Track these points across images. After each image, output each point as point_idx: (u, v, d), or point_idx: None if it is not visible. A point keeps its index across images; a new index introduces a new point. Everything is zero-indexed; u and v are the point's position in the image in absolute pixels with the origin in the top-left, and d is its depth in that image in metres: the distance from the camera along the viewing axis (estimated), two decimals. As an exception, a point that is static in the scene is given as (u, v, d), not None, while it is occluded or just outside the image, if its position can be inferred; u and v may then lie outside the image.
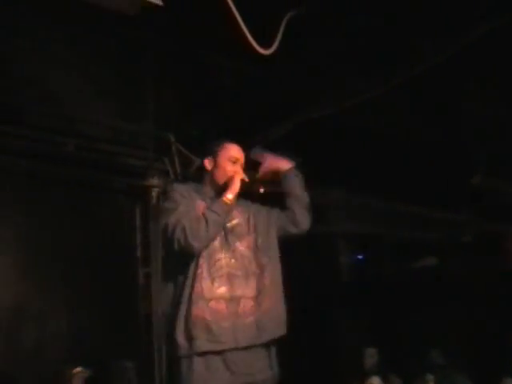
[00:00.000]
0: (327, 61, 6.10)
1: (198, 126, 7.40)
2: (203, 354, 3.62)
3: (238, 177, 3.93)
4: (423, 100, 7.38)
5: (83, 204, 7.33)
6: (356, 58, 5.96)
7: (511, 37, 5.76)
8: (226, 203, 3.81)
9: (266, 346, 3.92)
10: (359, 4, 5.52)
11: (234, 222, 3.97)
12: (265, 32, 4.89)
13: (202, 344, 3.60)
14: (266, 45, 4.84)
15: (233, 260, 3.84)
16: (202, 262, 3.74)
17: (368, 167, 8.14)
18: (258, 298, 3.87)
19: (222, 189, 3.92)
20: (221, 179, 3.98)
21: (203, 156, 4.12)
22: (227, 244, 3.87)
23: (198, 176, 4.20)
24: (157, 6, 4.34)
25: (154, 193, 7.50)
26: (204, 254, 3.74)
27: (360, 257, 10.64)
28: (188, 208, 3.76)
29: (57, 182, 7.09)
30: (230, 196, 3.84)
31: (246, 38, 4.53)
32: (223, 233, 3.87)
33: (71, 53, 6.65)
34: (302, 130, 6.82)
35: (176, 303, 3.70)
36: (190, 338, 3.61)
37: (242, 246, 3.94)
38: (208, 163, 4.05)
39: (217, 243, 3.82)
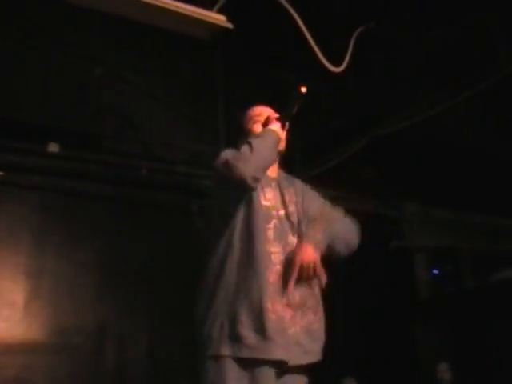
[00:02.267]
0: (398, 74, 6.07)
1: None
2: (245, 359, 2.99)
3: (273, 115, 3.40)
4: (500, 110, 7.26)
5: (160, 227, 7.44)
6: (428, 70, 5.91)
7: None
8: (269, 129, 3.25)
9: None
10: (428, 17, 5.50)
11: (290, 208, 3.35)
12: (335, 49, 4.90)
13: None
14: (336, 62, 4.83)
15: (282, 257, 3.16)
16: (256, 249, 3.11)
17: (443, 180, 8.04)
18: (307, 309, 3.20)
19: None
20: None
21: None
22: (280, 234, 3.23)
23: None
24: (227, 29, 4.37)
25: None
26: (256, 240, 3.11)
27: (435, 272, 10.49)
28: None
29: (134, 206, 7.24)
30: (272, 127, 3.26)
31: (316, 56, 4.53)
32: (277, 220, 3.25)
33: (146, 79, 6.81)
34: (376, 145, 6.79)
35: (215, 295, 3.13)
36: (236, 338, 3.01)
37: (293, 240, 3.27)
38: (240, 141, 3.38)
39: (271, 232, 3.18)
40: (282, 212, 3.31)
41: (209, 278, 3.22)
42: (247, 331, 2.99)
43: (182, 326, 7.16)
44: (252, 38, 6.03)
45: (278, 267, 3.12)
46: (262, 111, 3.52)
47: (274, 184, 3.40)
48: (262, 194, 3.28)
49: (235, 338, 3.01)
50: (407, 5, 5.47)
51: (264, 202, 3.27)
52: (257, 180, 3.02)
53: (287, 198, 3.39)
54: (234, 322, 3.03)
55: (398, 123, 6.55)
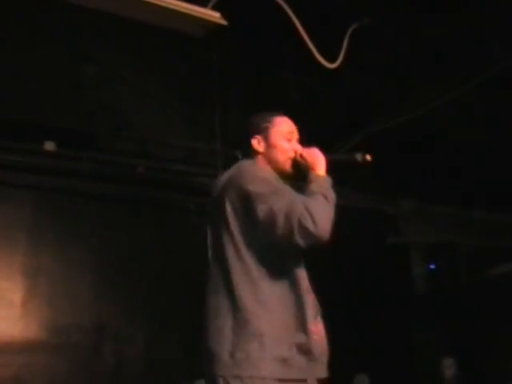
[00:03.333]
0: (392, 71, 6.08)
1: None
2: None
3: (317, 152, 3.16)
4: (495, 105, 7.27)
5: (157, 225, 7.44)
6: (422, 67, 5.92)
7: None
8: (324, 176, 3.04)
9: None
10: (422, 12, 5.51)
11: None
12: (329, 46, 4.90)
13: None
14: (331, 58, 4.83)
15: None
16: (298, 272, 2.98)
17: (439, 175, 8.06)
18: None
19: (285, 173, 3.15)
20: (280, 161, 3.15)
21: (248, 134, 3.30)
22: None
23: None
24: (222, 26, 4.36)
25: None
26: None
27: (432, 267, 10.50)
28: (289, 190, 2.94)
29: (131, 204, 7.24)
30: (321, 172, 3.05)
31: (311, 52, 4.53)
32: None
33: (141, 77, 6.81)
34: (372, 141, 6.80)
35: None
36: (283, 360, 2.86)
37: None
38: (258, 144, 3.20)
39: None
40: None
41: (241, 293, 2.91)
42: (295, 353, 2.86)
43: (180, 325, 7.20)
44: (247, 35, 6.02)
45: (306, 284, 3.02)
46: (295, 131, 3.27)
47: None
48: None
49: (281, 359, 2.84)
50: (401, 2, 5.48)
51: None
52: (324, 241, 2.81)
53: None
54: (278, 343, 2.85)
55: (393, 119, 6.56)
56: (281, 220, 2.76)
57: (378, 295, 8.74)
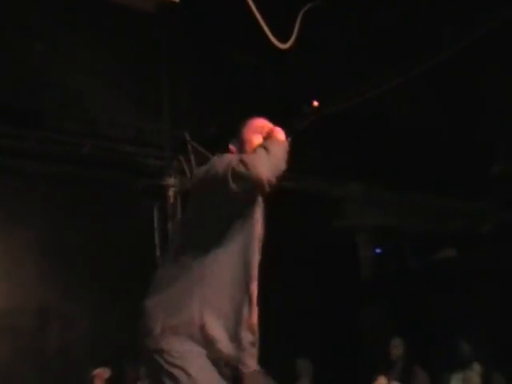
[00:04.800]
0: (344, 53, 6.08)
1: (214, 124, 7.40)
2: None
3: (277, 128, 3.23)
4: (442, 90, 7.34)
5: (102, 205, 7.36)
6: (373, 49, 5.93)
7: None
8: (279, 139, 3.13)
9: None
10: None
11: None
12: (282, 26, 4.86)
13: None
14: (282, 40, 4.79)
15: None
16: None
17: (386, 159, 8.11)
18: None
19: None
20: (250, 151, 3.21)
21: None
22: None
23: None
24: (172, 3, 4.29)
25: (172, 192, 7.50)
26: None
27: (378, 250, 10.61)
28: None
29: (76, 184, 7.14)
30: (279, 138, 3.14)
31: (263, 32, 4.49)
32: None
33: (89, 55, 6.68)
34: (320, 125, 6.79)
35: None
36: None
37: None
38: (233, 147, 3.31)
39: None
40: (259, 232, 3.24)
41: (194, 268, 3.00)
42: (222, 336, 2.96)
43: (125, 306, 7.13)
44: (198, 14, 5.96)
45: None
46: (265, 124, 3.31)
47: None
48: (259, 218, 3.18)
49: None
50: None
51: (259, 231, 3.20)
52: (271, 185, 2.92)
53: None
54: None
55: (343, 102, 6.56)
56: (220, 176, 2.91)
57: (325, 278, 8.79)
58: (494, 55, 6.47)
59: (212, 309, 2.94)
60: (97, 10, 5.56)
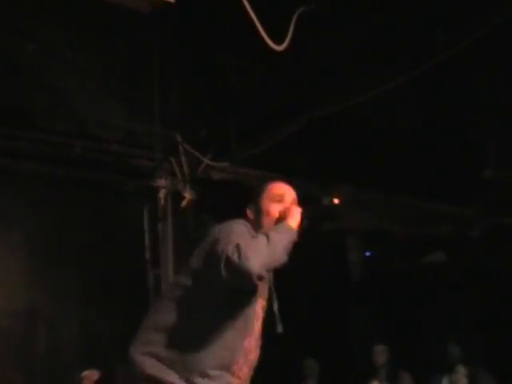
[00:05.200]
0: (337, 57, 6.08)
1: (205, 126, 7.39)
2: None
3: (296, 208, 3.16)
4: (433, 94, 7.36)
5: (92, 206, 7.32)
6: (366, 54, 5.93)
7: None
8: (289, 226, 3.05)
9: None
10: (367, 0, 5.52)
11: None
12: (275, 29, 4.85)
13: None
14: (276, 42, 4.78)
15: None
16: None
17: (376, 162, 8.12)
18: None
19: None
20: (265, 225, 3.17)
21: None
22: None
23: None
24: (168, 3, 4.26)
25: (162, 194, 7.48)
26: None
27: (368, 253, 10.62)
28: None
29: (67, 185, 7.10)
30: (291, 223, 3.07)
31: (256, 34, 4.47)
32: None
33: (80, 56, 6.65)
34: (311, 128, 6.80)
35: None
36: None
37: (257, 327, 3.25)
38: (250, 213, 3.25)
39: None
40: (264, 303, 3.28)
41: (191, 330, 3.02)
42: None
43: (115, 310, 7.11)
44: (191, 14, 5.94)
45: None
46: (286, 193, 3.25)
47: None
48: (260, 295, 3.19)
49: None
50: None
51: (262, 303, 3.23)
52: (261, 279, 2.88)
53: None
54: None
55: (334, 106, 6.56)
56: (218, 255, 2.87)
57: (315, 281, 8.79)
58: (485, 57, 6.48)
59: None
60: (88, 11, 5.54)
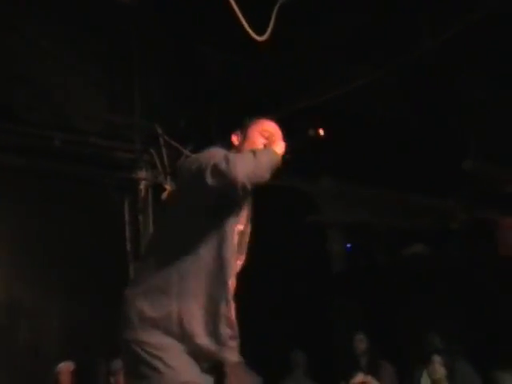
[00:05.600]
0: (319, 48, 6.07)
1: (185, 117, 7.35)
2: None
3: (280, 142, 3.22)
4: (412, 86, 7.37)
5: (72, 199, 7.27)
6: (348, 45, 5.93)
7: (500, 22, 5.78)
8: (273, 150, 3.12)
9: None
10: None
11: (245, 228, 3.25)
12: (256, 21, 4.82)
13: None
14: (259, 33, 4.75)
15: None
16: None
17: (357, 155, 8.13)
18: None
19: None
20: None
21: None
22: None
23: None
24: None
25: (143, 186, 7.45)
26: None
27: (348, 245, 10.64)
28: None
29: (46, 177, 7.05)
30: (276, 150, 3.14)
31: (238, 26, 4.44)
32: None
33: (59, 47, 6.59)
34: (292, 119, 6.78)
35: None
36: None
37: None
38: (236, 138, 3.31)
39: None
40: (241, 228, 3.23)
41: (171, 264, 3.03)
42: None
43: (96, 300, 7.08)
44: (171, 5, 5.91)
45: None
46: (275, 134, 3.30)
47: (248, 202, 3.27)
48: (238, 218, 3.16)
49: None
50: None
51: (239, 227, 3.18)
52: (245, 189, 2.91)
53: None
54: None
55: (315, 97, 6.55)
56: (200, 169, 2.94)
57: (296, 273, 8.79)
58: (466, 52, 6.50)
59: (190, 305, 2.96)
60: (68, 2, 5.48)
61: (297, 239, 8.90)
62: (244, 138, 3.28)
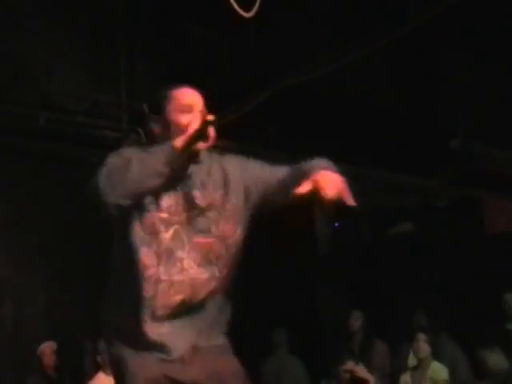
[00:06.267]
0: (305, 26, 6.03)
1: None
2: None
3: (195, 122, 2.73)
4: (402, 65, 7.34)
5: (58, 179, 7.23)
6: (335, 23, 5.88)
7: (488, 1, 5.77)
8: (172, 147, 2.69)
9: None
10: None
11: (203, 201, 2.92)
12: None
13: None
14: (245, 10, 4.71)
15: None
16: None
17: (342, 133, 8.10)
18: None
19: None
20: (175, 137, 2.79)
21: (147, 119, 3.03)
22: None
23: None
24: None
25: (129, 165, 7.39)
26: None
27: (336, 224, 10.66)
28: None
29: (30, 157, 6.99)
30: (177, 143, 2.70)
31: (224, 3, 4.40)
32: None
33: (43, 25, 6.51)
34: (279, 99, 6.75)
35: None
36: None
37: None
38: (154, 126, 2.95)
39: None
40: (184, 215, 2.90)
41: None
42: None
43: (82, 284, 7.06)
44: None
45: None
46: (194, 102, 2.90)
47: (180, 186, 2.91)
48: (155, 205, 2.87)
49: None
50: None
51: (161, 215, 2.87)
52: (121, 208, 2.71)
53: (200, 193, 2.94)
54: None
55: (302, 76, 6.51)
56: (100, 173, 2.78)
57: (283, 253, 8.79)
58: (453, 28, 6.48)
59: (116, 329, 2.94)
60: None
61: (284, 218, 8.88)
62: (166, 124, 2.92)
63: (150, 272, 2.83)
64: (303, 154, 8.48)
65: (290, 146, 8.30)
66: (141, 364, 2.81)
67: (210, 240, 2.95)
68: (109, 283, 2.99)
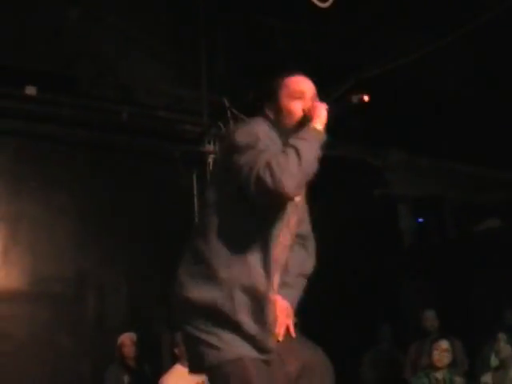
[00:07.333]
0: (386, 16, 5.93)
1: (252, 89, 7.29)
2: None
3: (320, 105, 2.88)
4: (487, 54, 7.13)
5: (141, 172, 7.33)
6: (416, 12, 5.76)
7: None
8: (317, 130, 2.81)
9: None
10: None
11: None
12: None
13: None
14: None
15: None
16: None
17: (429, 127, 7.94)
18: None
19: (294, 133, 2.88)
20: (289, 124, 2.94)
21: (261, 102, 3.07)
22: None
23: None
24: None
25: (211, 159, 7.44)
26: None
27: (420, 220, 10.47)
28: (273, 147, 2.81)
29: (115, 152, 7.12)
30: (318, 126, 2.81)
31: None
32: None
33: (124, 22, 6.62)
34: (360, 89, 6.65)
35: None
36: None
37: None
38: (268, 112, 3.01)
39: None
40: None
41: (217, 248, 2.88)
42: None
43: (163, 274, 7.11)
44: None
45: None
46: (306, 90, 2.96)
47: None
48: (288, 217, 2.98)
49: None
50: None
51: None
52: (296, 196, 2.79)
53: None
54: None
55: (383, 66, 6.39)
56: (244, 172, 2.71)
57: (365, 247, 8.69)
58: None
59: (234, 293, 2.81)
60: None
61: (366, 213, 8.78)
62: (278, 110, 2.97)
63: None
64: (386, 147, 8.33)
65: (372, 139, 8.22)
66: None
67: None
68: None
